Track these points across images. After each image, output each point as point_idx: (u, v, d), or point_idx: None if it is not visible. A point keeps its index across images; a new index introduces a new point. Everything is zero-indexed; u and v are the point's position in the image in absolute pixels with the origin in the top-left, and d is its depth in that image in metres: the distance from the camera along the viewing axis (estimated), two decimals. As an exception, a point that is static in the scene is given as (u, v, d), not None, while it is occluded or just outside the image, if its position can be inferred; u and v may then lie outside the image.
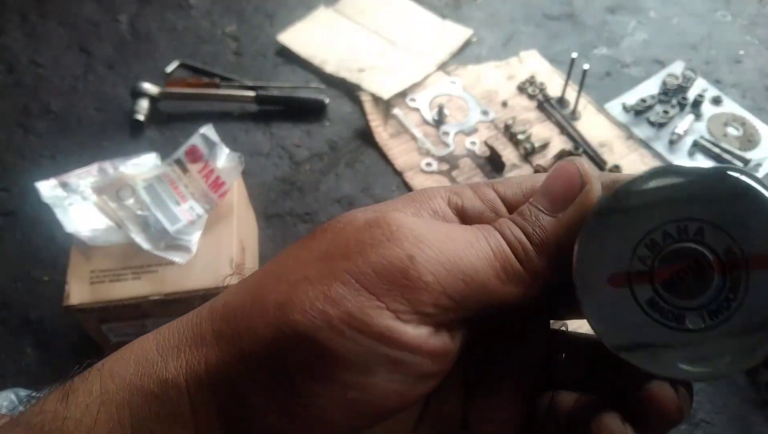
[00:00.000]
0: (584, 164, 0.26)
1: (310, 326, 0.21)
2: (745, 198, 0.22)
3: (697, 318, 0.23)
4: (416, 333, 0.22)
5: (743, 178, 0.22)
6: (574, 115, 1.07)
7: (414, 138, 1.05)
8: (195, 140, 0.77)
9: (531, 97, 1.10)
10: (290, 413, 0.22)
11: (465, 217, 0.26)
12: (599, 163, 1.00)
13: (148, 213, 0.73)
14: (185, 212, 0.74)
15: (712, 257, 0.22)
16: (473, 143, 1.04)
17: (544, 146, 1.03)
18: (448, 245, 0.23)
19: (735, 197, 0.22)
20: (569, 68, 1.05)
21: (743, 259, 0.22)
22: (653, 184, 0.23)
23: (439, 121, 1.06)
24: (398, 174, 1.00)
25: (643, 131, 1.06)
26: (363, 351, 0.22)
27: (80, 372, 0.25)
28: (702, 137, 1.03)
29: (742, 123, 1.06)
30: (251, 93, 1.08)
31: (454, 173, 1.00)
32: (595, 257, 0.23)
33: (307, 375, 0.22)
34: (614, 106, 1.10)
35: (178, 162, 0.77)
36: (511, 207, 0.26)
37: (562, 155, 1.01)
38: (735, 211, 0.22)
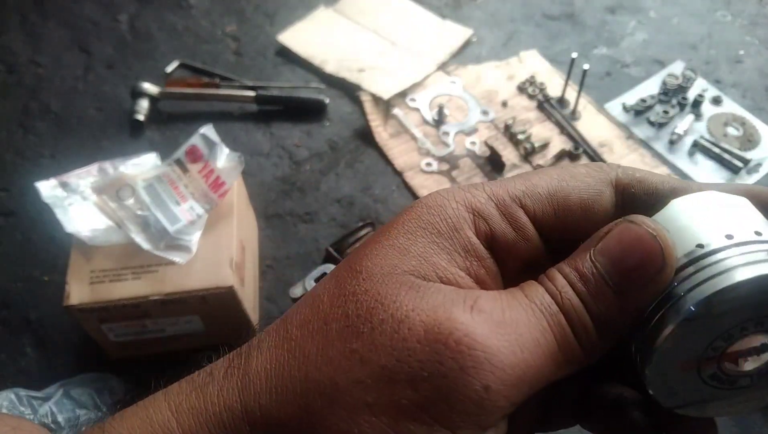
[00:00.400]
0: (664, 234, 0.22)
1: None
2: None
3: (747, 379, 0.23)
4: None
5: None
6: (574, 115, 1.07)
7: (414, 138, 1.05)
8: (195, 140, 0.77)
9: (531, 97, 1.10)
10: None
11: (495, 246, 0.24)
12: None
13: (148, 213, 0.73)
14: (185, 212, 0.74)
15: None
16: (473, 143, 1.04)
17: (544, 146, 1.03)
18: (518, 356, 0.21)
19: None
20: (569, 68, 1.05)
21: None
22: (746, 291, 0.21)
23: (439, 121, 1.06)
24: (398, 174, 1.00)
25: (643, 131, 1.06)
26: None
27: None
28: (702, 137, 1.03)
29: (742, 123, 1.06)
30: (251, 93, 1.08)
31: (454, 173, 1.00)
32: (670, 352, 0.22)
33: None
34: (614, 107, 1.10)
35: (178, 162, 0.77)
36: (542, 228, 0.24)
37: (562, 155, 1.01)
38: None
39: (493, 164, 1.01)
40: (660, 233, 0.22)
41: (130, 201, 0.74)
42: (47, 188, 0.74)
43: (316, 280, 0.71)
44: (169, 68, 1.14)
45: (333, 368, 0.21)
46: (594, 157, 1.01)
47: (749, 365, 0.23)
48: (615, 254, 0.22)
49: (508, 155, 1.02)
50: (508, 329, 0.21)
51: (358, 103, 1.09)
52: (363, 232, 0.81)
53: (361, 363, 0.21)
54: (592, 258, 0.22)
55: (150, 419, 0.22)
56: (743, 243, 0.21)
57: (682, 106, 1.08)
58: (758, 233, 0.22)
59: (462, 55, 1.18)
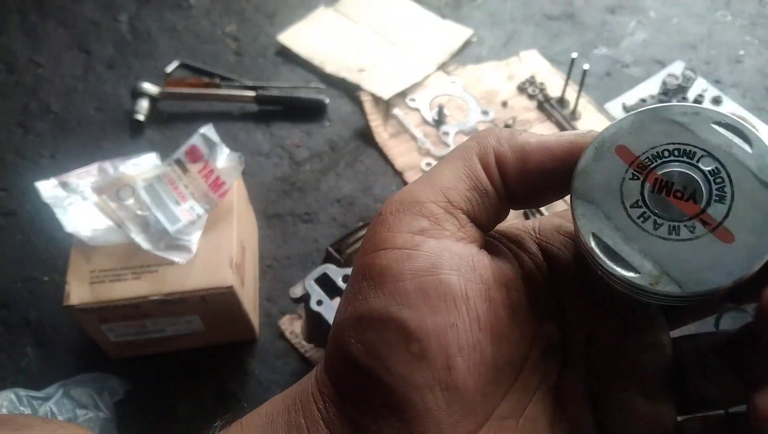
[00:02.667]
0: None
1: None
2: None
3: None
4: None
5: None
6: (574, 115, 1.07)
7: (414, 138, 1.05)
8: (195, 140, 0.77)
9: (531, 97, 1.10)
10: None
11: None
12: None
13: (148, 213, 0.73)
14: (185, 212, 0.74)
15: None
16: (473, 143, 1.04)
17: (544, 146, 1.03)
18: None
19: None
20: (569, 68, 1.05)
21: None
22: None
23: (439, 121, 1.06)
24: (398, 174, 1.00)
25: (643, 131, 1.06)
26: None
27: None
28: (702, 137, 1.03)
29: (742, 123, 1.06)
30: (251, 93, 1.08)
31: (454, 173, 1.00)
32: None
33: None
34: (614, 107, 1.10)
35: (178, 162, 0.77)
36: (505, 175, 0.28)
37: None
38: None
39: (493, 164, 1.01)
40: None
41: (130, 201, 0.74)
42: (47, 188, 0.75)
43: (316, 280, 0.71)
44: (169, 68, 1.14)
45: None
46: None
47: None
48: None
49: (508, 155, 1.02)
50: None
51: (358, 103, 1.09)
52: (363, 232, 0.81)
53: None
54: None
55: None
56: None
57: (682, 106, 1.08)
58: None
59: (462, 55, 1.18)
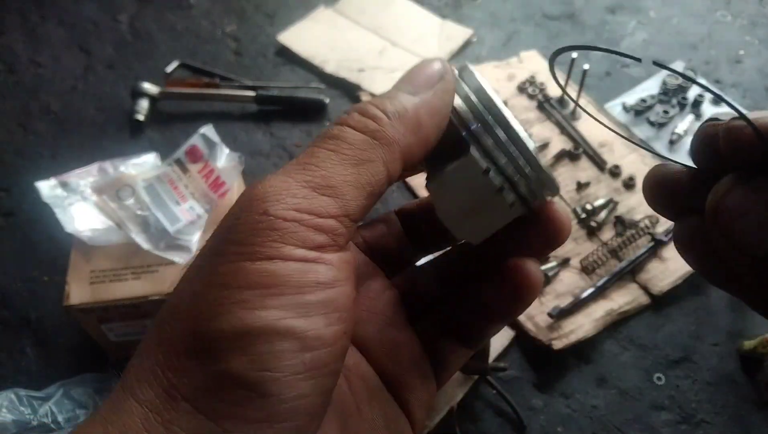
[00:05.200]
0: (445, 61, 0.27)
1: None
2: None
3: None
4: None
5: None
6: (574, 115, 1.07)
7: (414, 138, 1.05)
8: (195, 140, 0.77)
9: (531, 97, 1.10)
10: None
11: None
12: (599, 163, 1.00)
13: (148, 213, 0.73)
14: (185, 212, 0.74)
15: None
16: (473, 143, 1.04)
17: (544, 145, 1.03)
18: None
19: None
20: (569, 68, 1.05)
21: None
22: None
23: (439, 121, 1.06)
24: (398, 174, 1.00)
25: (643, 131, 1.06)
26: None
27: None
28: (702, 137, 1.03)
29: (742, 123, 1.06)
30: (251, 93, 1.08)
31: (454, 173, 1.00)
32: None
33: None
34: (614, 107, 1.10)
35: (178, 162, 0.77)
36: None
37: (561, 154, 1.01)
38: None
39: (493, 164, 1.01)
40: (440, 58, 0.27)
41: (130, 201, 0.74)
42: (47, 188, 0.74)
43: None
44: (169, 68, 1.14)
45: None
46: (594, 157, 1.01)
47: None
48: (407, 74, 0.27)
49: (508, 155, 1.02)
50: None
51: (357, 103, 1.09)
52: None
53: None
54: (393, 87, 0.27)
55: None
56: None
57: (682, 106, 1.08)
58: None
59: (462, 55, 1.18)
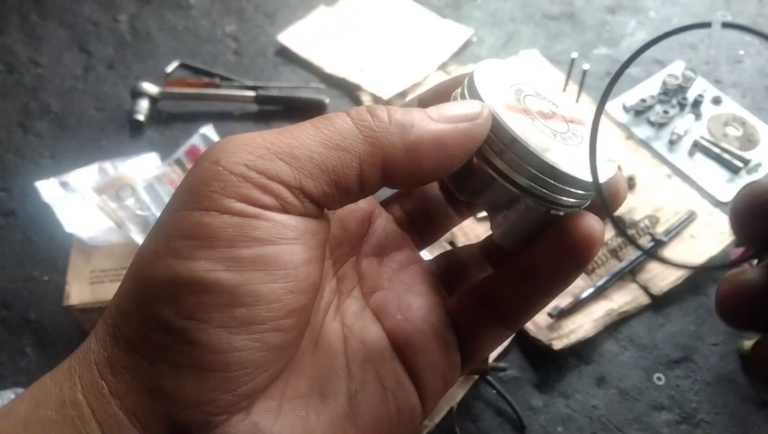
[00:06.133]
0: (487, 108, 0.25)
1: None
2: None
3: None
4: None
5: None
6: (574, 115, 1.07)
7: (414, 138, 1.05)
8: (195, 140, 0.77)
9: (531, 97, 1.10)
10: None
11: None
12: (599, 163, 1.00)
13: (148, 213, 0.73)
14: (185, 212, 0.74)
15: None
16: (473, 143, 1.04)
17: (544, 146, 1.03)
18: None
19: None
20: (569, 68, 1.05)
21: None
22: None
23: (439, 121, 1.06)
24: (398, 174, 1.00)
25: (643, 131, 1.06)
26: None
27: None
28: (702, 137, 1.03)
29: (742, 123, 1.06)
30: (251, 93, 1.08)
31: (454, 173, 1.00)
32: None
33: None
34: (614, 106, 1.10)
35: (178, 162, 0.77)
36: None
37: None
38: None
39: (493, 164, 1.01)
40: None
41: (130, 201, 0.74)
42: (47, 188, 0.75)
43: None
44: (169, 68, 1.14)
45: None
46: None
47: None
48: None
49: (508, 155, 1.02)
50: None
51: (358, 103, 1.09)
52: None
53: None
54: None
55: (32, 386, 0.24)
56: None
57: (682, 106, 1.08)
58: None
59: (462, 55, 1.18)
